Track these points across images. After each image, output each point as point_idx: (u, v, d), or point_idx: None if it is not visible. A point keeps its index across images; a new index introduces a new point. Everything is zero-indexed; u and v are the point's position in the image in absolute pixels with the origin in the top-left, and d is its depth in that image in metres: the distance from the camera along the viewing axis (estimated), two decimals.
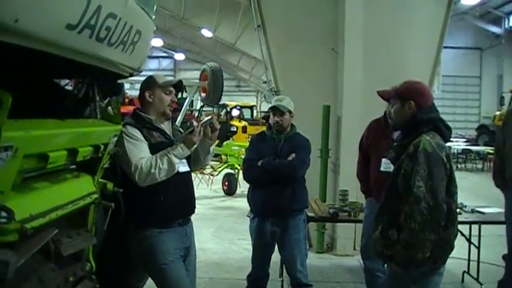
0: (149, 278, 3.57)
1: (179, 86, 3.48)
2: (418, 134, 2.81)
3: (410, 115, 2.88)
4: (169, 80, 3.44)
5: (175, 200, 3.32)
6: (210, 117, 3.54)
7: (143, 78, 3.49)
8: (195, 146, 3.31)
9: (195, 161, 3.55)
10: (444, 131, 2.88)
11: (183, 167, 3.37)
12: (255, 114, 25.34)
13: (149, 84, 3.39)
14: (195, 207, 3.55)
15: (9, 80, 2.23)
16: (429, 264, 2.74)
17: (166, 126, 3.44)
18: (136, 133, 3.23)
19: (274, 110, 4.31)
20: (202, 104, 19.64)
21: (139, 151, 3.17)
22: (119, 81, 3.66)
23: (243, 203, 6.93)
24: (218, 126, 3.49)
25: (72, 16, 2.13)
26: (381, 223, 2.89)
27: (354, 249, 6.66)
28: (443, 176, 2.74)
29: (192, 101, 19.40)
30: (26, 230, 2.08)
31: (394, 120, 3.04)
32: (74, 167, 2.92)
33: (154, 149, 3.22)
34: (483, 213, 5.62)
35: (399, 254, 2.73)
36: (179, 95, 3.65)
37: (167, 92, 3.38)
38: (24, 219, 2.12)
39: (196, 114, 23.26)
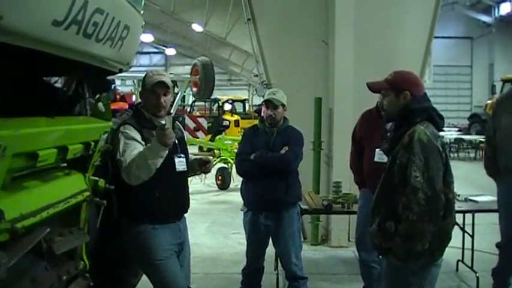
0: (144, 274, 3.56)
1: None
2: (412, 124, 2.77)
3: (404, 105, 2.84)
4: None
5: (169, 198, 3.29)
6: (208, 159, 3.63)
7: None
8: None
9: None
10: (437, 120, 2.85)
11: (181, 166, 3.35)
12: (247, 107, 25.30)
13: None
14: (188, 206, 3.53)
15: None
16: (428, 256, 2.71)
17: (167, 121, 3.39)
18: (135, 134, 3.17)
19: (268, 103, 4.27)
20: (194, 98, 19.58)
21: (130, 151, 3.12)
22: (110, 77, 3.64)
23: (236, 197, 6.91)
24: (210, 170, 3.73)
25: (58, 12, 2.11)
26: (378, 216, 2.85)
27: (349, 240, 6.68)
28: (440, 165, 2.71)
29: (184, 96, 19.37)
30: (16, 229, 2.07)
31: (388, 112, 2.98)
32: (64, 165, 2.90)
33: None
34: (476, 201, 5.63)
35: (398, 246, 2.69)
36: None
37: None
38: (14, 219, 2.10)
39: (188, 109, 23.22)
